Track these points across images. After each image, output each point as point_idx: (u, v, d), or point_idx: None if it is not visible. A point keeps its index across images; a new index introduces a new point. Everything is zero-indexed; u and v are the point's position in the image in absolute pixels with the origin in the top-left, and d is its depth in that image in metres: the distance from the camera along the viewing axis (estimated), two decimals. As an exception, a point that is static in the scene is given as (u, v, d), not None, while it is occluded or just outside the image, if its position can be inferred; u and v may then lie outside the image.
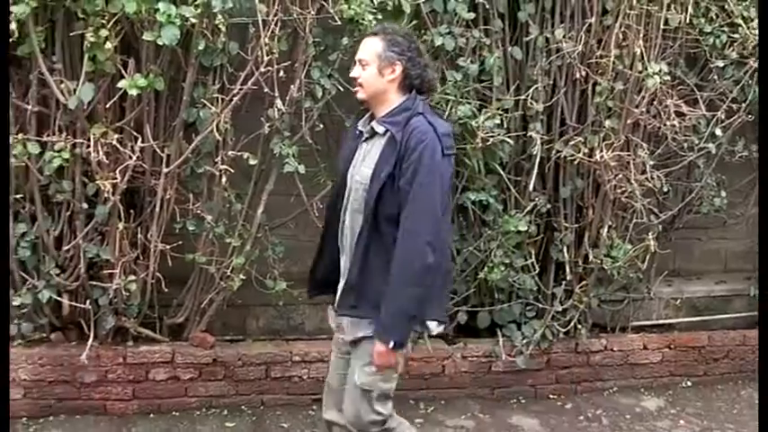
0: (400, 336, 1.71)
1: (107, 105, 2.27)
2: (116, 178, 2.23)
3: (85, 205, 2.31)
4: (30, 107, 2.24)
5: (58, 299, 2.36)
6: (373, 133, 1.79)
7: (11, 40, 2.09)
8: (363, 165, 1.78)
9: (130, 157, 2.23)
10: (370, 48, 1.78)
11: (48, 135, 2.26)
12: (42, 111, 2.28)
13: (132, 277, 2.32)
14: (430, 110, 1.83)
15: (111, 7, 2.14)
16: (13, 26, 2.09)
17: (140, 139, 2.27)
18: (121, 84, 2.19)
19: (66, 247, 2.33)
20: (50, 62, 2.23)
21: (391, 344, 1.70)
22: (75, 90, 2.18)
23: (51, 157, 2.23)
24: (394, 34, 1.80)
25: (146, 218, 2.37)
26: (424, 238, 1.67)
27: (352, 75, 1.80)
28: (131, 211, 2.36)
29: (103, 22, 2.13)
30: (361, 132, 1.80)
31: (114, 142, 2.23)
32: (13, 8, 2.08)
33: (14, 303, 2.30)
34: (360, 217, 1.74)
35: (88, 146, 2.22)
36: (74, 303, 2.38)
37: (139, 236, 2.34)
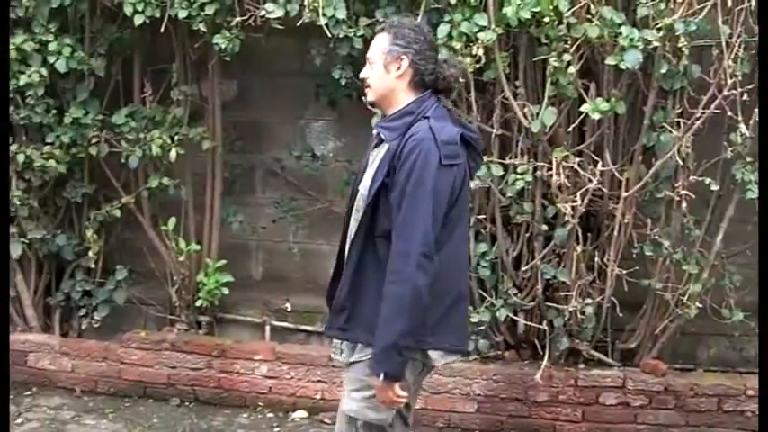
0: (391, 368, 2.63)
1: (568, 129, 4.31)
2: (576, 201, 4.24)
3: (545, 227, 4.40)
4: (494, 130, 4.44)
5: (515, 318, 4.52)
6: (381, 139, 2.84)
7: (477, 65, 4.25)
8: (365, 175, 2.86)
9: (590, 181, 4.22)
10: (377, 44, 2.85)
11: (510, 158, 4.41)
12: (505, 134, 4.46)
13: (588, 300, 4.31)
14: (443, 113, 2.83)
15: (574, 32, 4.13)
16: (479, 52, 4.27)
17: (600, 163, 4.24)
18: (584, 108, 4.17)
19: (525, 268, 4.47)
20: (514, 87, 4.37)
21: (381, 377, 2.62)
22: (537, 114, 4.25)
23: (514, 179, 4.35)
24: (400, 27, 2.85)
25: (602, 241, 4.34)
26: (413, 259, 2.58)
27: (361, 75, 2.88)
28: (588, 234, 4.35)
29: (566, 46, 4.14)
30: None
31: (575, 166, 4.25)
32: (480, 35, 4.24)
33: (473, 320, 4.51)
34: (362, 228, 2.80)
35: (549, 169, 4.28)
36: (529, 323, 4.50)
37: (596, 259, 4.32)
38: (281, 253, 5.24)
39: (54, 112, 4.82)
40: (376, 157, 2.86)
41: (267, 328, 5.12)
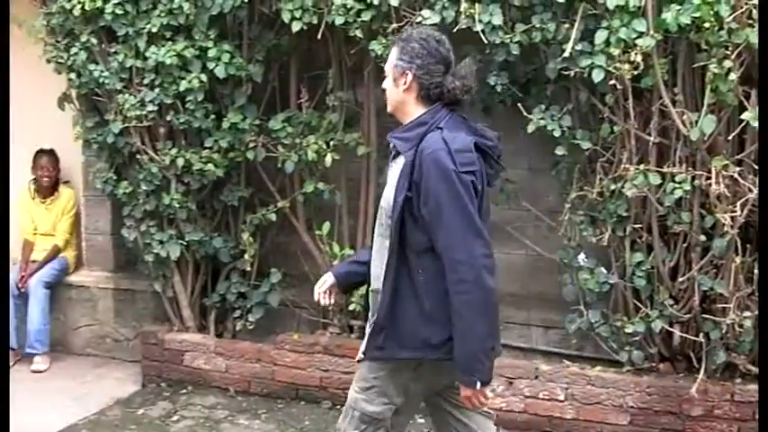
0: (483, 374, 3.33)
1: (728, 137, 5.07)
2: (735, 211, 4.99)
3: (703, 237, 5.16)
4: (651, 138, 5.23)
5: (670, 329, 5.30)
6: (398, 151, 3.49)
7: (635, 72, 5.03)
8: (387, 186, 3.49)
9: (750, 191, 4.96)
10: (389, 57, 3.58)
11: (668, 166, 5.19)
12: (663, 142, 5.24)
13: (747, 313, 5.05)
14: (457, 122, 3.46)
15: (735, 38, 4.85)
16: (638, 58, 5.06)
17: (760, 173, 4.99)
18: (744, 115, 4.88)
19: (681, 279, 5.24)
20: (672, 94, 5.14)
21: (478, 385, 3.34)
22: (696, 122, 5.01)
23: (672, 188, 5.12)
24: (408, 40, 3.52)
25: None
26: (477, 264, 3.27)
27: (382, 86, 3.62)
28: (748, 245, 5.09)
29: (727, 53, 4.87)
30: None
31: (735, 175, 4.98)
32: (638, 41, 5.02)
33: (627, 330, 5.34)
34: (385, 242, 3.46)
35: (708, 178, 5.03)
36: (685, 335, 5.28)
37: (755, 271, 5.08)
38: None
39: (213, 116, 5.91)
40: (395, 168, 3.49)
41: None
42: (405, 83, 3.52)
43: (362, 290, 5.77)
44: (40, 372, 6.71)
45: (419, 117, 3.51)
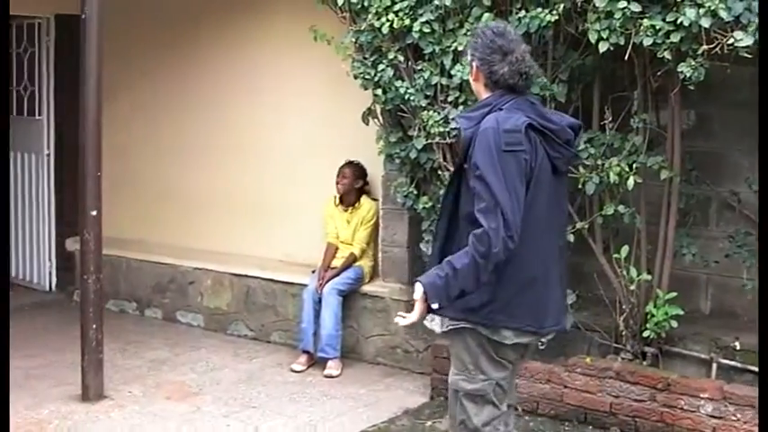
0: (441, 298, 3.90)
1: None
2: None
3: None
4: None
5: None
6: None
7: None
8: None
9: None
10: None
11: None
12: None
13: None
14: (521, 105, 4.03)
15: None
16: None
17: None
18: None
19: None
20: None
21: (421, 289, 3.93)
22: None
23: None
24: (474, 35, 4.23)
25: None
26: (500, 238, 3.80)
27: None
28: None
29: None
30: None
31: None
32: None
33: None
34: None
35: None
36: None
37: None
38: (732, 289, 6.21)
39: (515, 135, 6.19)
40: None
41: (714, 365, 6.10)
42: (472, 73, 4.23)
43: (659, 316, 5.95)
44: (333, 377, 7.20)
45: (484, 99, 4.16)
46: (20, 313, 8.94)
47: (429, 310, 3.98)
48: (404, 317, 4.06)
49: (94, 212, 6.35)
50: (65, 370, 7.15)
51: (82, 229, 6.41)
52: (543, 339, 4.65)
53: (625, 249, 5.98)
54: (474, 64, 4.20)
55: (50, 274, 9.81)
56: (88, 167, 6.35)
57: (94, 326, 6.43)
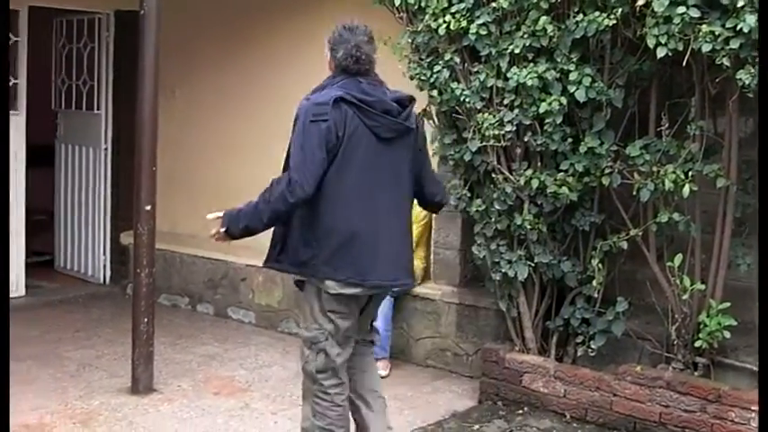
0: (233, 227, 4.84)
1: None
2: None
3: None
4: None
5: None
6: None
7: None
8: None
9: None
10: None
11: None
12: None
13: None
14: (348, 84, 4.80)
15: None
16: None
17: None
18: None
19: None
20: None
21: (225, 223, 4.85)
22: None
23: None
24: (332, 30, 5.02)
25: None
26: (286, 183, 4.62)
27: None
28: None
29: None
30: None
31: None
32: None
33: None
34: None
35: None
36: None
37: None
38: (789, 300, 6.16)
39: (570, 140, 6.20)
40: None
41: (767, 378, 6.07)
42: (327, 60, 4.99)
43: (712, 326, 5.93)
44: (381, 377, 7.23)
45: (323, 81, 4.96)
46: (74, 305, 9.16)
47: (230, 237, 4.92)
48: (212, 217, 4.95)
49: (149, 207, 6.48)
50: (116, 362, 7.30)
51: (136, 223, 6.54)
52: (395, 289, 5.63)
53: (679, 258, 5.97)
54: (326, 53, 4.99)
55: (105, 267, 9.99)
56: (143, 162, 6.48)
57: (146, 319, 6.55)
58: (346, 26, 4.98)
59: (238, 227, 4.83)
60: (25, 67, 8.98)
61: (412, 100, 5.04)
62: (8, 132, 4.85)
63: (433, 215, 7.42)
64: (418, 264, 7.63)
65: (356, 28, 4.96)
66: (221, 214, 4.89)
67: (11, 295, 8.88)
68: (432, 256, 7.61)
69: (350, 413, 5.17)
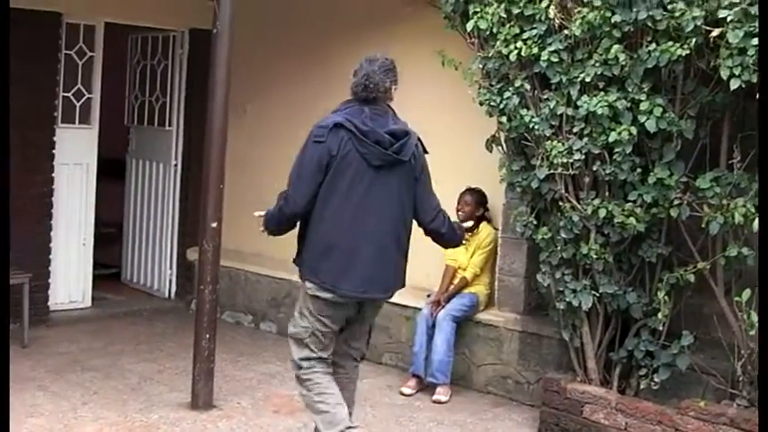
0: (265, 220, 5.61)
1: None
2: None
3: None
4: None
5: None
6: None
7: None
8: None
9: None
10: None
11: None
12: None
13: None
14: (353, 111, 5.36)
15: None
16: None
17: None
18: None
19: None
20: None
21: (264, 221, 5.63)
22: None
23: None
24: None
25: None
26: (286, 200, 5.39)
27: None
28: None
29: None
30: None
31: None
32: None
33: None
34: None
35: None
36: None
37: None
38: None
39: (639, 170, 6.15)
40: None
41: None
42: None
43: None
44: (441, 402, 7.24)
45: (338, 106, 5.52)
46: (139, 318, 9.27)
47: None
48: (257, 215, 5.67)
49: (215, 224, 6.54)
50: (177, 377, 7.37)
51: (201, 239, 6.61)
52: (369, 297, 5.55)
53: (747, 293, 5.85)
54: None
55: (171, 281, 10.11)
56: (211, 179, 6.55)
57: (207, 336, 6.61)
58: (368, 58, 5.49)
59: (269, 226, 5.57)
60: (99, 81, 9.13)
61: (407, 134, 5.45)
62: (8, 132, 4.98)
63: (499, 242, 7.41)
64: (482, 290, 7.62)
65: (375, 60, 5.47)
66: (264, 213, 5.58)
67: (77, 306, 9.10)
68: (496, 283, 7.57)
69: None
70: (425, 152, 5.63)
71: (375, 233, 5.35)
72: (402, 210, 5.43)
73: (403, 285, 5.65)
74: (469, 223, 6.08)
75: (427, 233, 5.69)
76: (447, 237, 5.73)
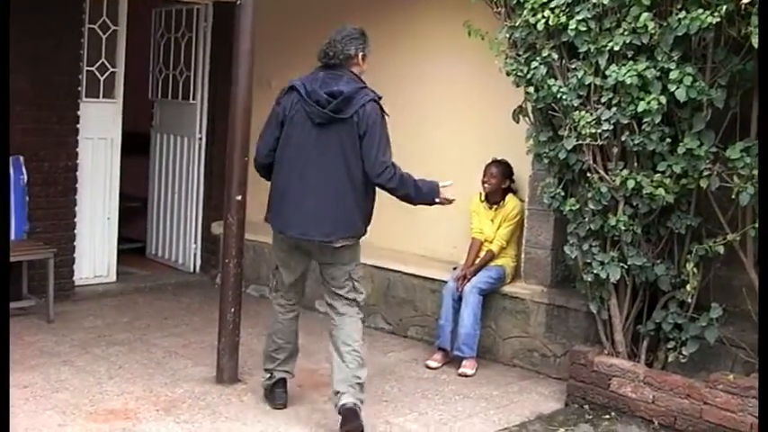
0: None
1: None
2: None
3: None
4: None
5: None
6: None
7: None
8: None
9: None
10: None
11: None
12: None
13: None
14: (312, 75, 6.00)
15: None
16: None
17: None
18: None
19: None
20: None
21: None
22: None
23: None
24: None
25: None
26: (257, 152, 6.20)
27: None
28: None
29: None
30: None
31: None
32: None
33: None
34: None
35: None
36: None
37: None
38: None
39: (668, 140, 6.06)
40: None
41: None
42: None
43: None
44: (467, 376, 7.20)
45: None
46: (164, 293, 9.27)
47: None
48: None
49: (239, 197, 6.51)
50: (202, 351, 7.36)
51: (226, 213, 6.57)
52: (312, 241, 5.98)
53: (778, 264, 5.79)
54: None
55: (195, 255, 10.09)
56: (235, 152, 6.51)
57: (232, 309, 6.58)
58: (337, 28, 6.07)
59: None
60: (123, 56, 9.07)
61: (344, 94, 5.81)
62: (8, 129, 4.99)
63: (526, 214, 7.36)
64: (508, 262, 7.56)
65: (342, 30, 6.05)
66: None
67: (102, 281, 9.10)
68: (522, 255, 7.51)
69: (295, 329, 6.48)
70: (384, 114, 5.95)
71: (317, 184, 5.85)
72: (346, 164, 5.84)
73: (352, 234, 6.01)
74: (449, 182, 6.03)
75: (379, 188, 6.03)
76: (399, 192, 6.00)
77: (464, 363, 7.28)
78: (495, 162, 7.55)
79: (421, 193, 6.00)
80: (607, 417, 6.40)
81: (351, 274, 6.10)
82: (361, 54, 6.03)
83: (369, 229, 7.24)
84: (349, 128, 5.81)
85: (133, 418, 5.98)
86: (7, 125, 5.09)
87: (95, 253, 9.12)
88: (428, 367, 7.35)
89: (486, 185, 7.52)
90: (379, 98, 5.94)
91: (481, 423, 6.29)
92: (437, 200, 6.06)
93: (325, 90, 5.83)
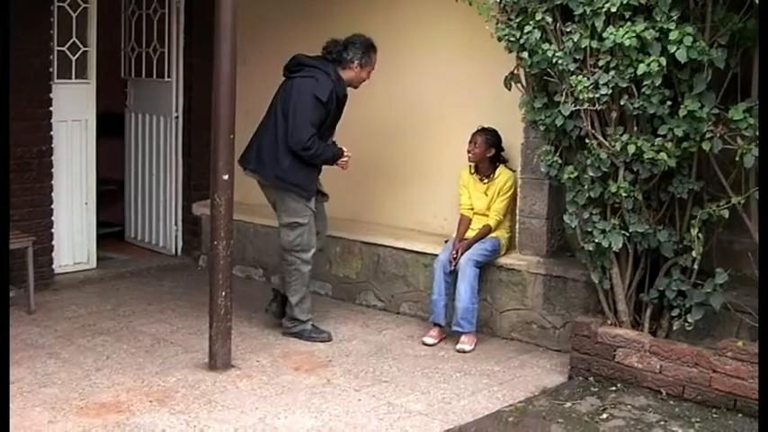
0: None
1: None
2: None
3: None
4: None
5: None
6: None
7: None
8: None
9: None
10: None
11: None
12: None
13: None
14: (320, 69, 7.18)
15: None
16: None
17: None
18: None
19: None
20: None
21: None
22: None
23: None
24: None
25: None
26: None
27: None
28: None
29: None
30: None
31: None
32: None
33: None
34: None
35: None
36: None
37: None
38: None
39: (668, 103, 5.90)
40: None
41: None
42: None
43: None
44: (465, 352, 7.05)
45: None
46: (146, 277, 9.08)
47: None
48: None
49: (226, 176, 6.30)
50: (192, 336, 7.20)
51: (213, 193, 6.36)
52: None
53: (783, 226, 5.66)
54: None
55: (176, 237, 9.87)
56: (221, 130, 6.30)
57: (224, 293, 6.38)
58: (355, 33, 7.28)
59: None
60: (95, 34, 8.80)
61: (301, 66, 7.18)
62: (8, 129, 4.83)
63: (519, 183, 7.20)
64: (503, 233, 7.40)
65: (353, 35, 7.25)
66: None
67: (82, 268, 8.87)
68: (517, 226, 7.35)
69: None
70: (318, 98, 6.95)
71: (267, 131, 7.20)
72: (275, 122, 7.15)
73: (281, 180, 7.15)
74: (345, 149, 7.34)
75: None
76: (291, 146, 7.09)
77: (462, 338, 7.13)
78: (481, 130, 7.32)
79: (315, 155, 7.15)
80: (613, 388, 6.27)
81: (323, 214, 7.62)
82: (357, 62, 7.15)
83: (356, 202, 7.17)
84: (287, 93, 7.14)
85: (126, 411, 5.79)
86: (7, 125, 4.91)
87: (74, 239, 8.89)
88: (425, 344, 7.20)
89: (470, 154, 7.32)
90: (335, 89, 7.06)
91: (486, 400, 6.14)
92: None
93: (296, 61, 7.23)
